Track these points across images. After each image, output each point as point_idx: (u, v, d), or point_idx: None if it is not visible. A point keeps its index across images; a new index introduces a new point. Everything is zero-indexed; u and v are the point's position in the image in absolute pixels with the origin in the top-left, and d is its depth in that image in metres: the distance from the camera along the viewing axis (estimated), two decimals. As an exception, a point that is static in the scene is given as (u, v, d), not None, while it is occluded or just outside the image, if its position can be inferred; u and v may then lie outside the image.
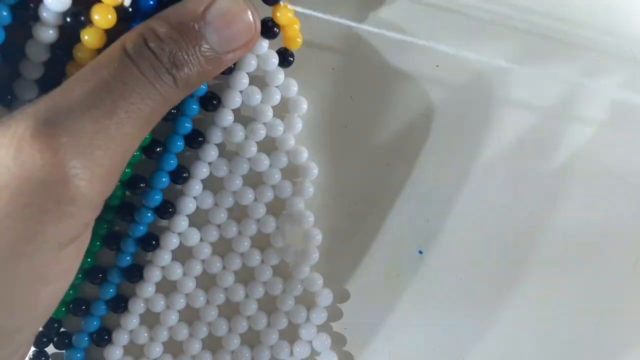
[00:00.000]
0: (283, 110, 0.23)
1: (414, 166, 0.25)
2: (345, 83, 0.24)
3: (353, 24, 0.23)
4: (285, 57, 0.22)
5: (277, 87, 0.23)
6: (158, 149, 0.22)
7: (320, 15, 0.22)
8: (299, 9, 0.22)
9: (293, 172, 0.24)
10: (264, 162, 0.23)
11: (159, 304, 0.23)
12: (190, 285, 0.23)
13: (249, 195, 0.23)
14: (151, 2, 0.19)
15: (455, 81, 0.25)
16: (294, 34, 0.22)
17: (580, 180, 0.25)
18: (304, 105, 0.23)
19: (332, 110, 0.24)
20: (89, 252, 0.21)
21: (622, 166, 0.25)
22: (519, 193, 0.25)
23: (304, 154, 0.24)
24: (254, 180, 0.23)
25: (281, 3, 0.21)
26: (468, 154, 0.25)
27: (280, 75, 0.23)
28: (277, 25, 0.21)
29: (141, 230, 0.23)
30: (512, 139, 0.25)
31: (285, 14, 0.21)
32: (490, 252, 0.25)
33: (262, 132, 0.23)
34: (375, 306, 0.25)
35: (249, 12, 0.18)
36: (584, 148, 0.25)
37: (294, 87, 0.23)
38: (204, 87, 0.22)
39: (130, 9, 0.19)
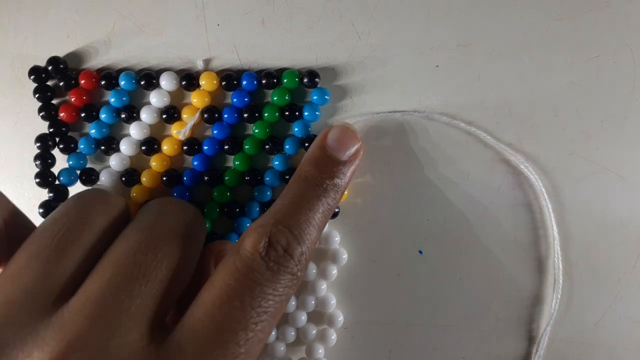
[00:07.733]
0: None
1: (414, 166, 0.25)
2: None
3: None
4: None
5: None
6: None
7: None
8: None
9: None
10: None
11: None
12: None
13: None
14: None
15: (456, 83, 0.25)
16: None
17: (579, 180, 0.25)
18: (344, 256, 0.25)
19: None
20: None
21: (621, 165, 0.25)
22: (517, 193, 0.25)
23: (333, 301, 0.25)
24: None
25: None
26: (468, 154, 0.25)
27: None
28: None
29: None
30: (511, 140, 0.25)
31: None
32: (490, 252, 0.25)
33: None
34: (375, 306, 0.25)
35: (353, 127, 0.23)
36: (584, 148, 0.25)
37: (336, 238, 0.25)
38: None
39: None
